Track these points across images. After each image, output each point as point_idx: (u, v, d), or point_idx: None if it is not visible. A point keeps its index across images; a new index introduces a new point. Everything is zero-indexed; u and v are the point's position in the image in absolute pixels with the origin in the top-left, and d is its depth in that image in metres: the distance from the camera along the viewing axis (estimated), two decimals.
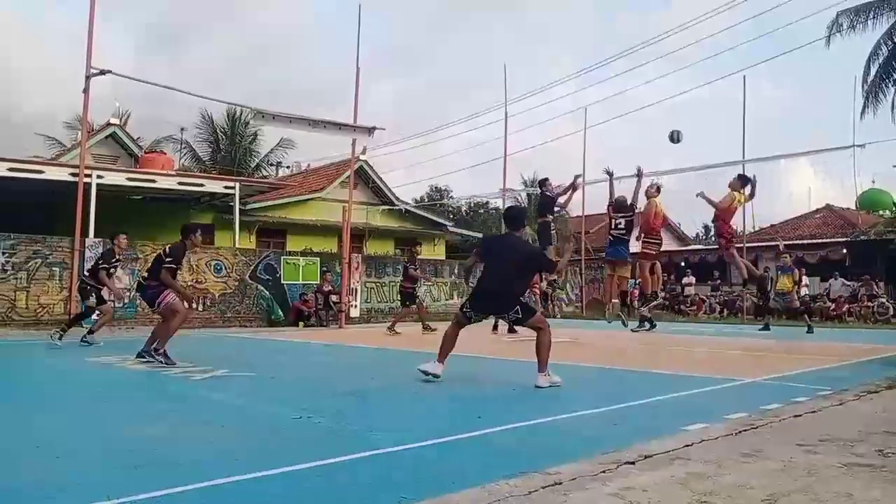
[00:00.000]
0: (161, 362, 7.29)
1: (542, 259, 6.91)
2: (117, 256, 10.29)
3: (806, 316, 15.01)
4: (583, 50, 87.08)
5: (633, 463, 3.21)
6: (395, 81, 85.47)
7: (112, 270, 10.17)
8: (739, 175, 11.13)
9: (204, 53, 76.80)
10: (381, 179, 26.74)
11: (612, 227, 11.24)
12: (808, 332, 13.66)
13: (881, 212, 29.25)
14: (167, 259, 7.71)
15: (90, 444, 3.79)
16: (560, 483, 2.87)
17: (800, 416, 4.53)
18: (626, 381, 6.94)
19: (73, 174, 14.95)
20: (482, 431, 4.08)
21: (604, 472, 3.05)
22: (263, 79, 71.62)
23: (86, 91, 14.19)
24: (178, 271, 8.01)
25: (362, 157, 23.82)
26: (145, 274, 8.16)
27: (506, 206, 8.21)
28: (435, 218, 29.00)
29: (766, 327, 14.95)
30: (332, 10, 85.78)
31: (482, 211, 42.95)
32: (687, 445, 3.58)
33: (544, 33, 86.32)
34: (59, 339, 9.60)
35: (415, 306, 13.78)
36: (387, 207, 26.36)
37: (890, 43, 22.91)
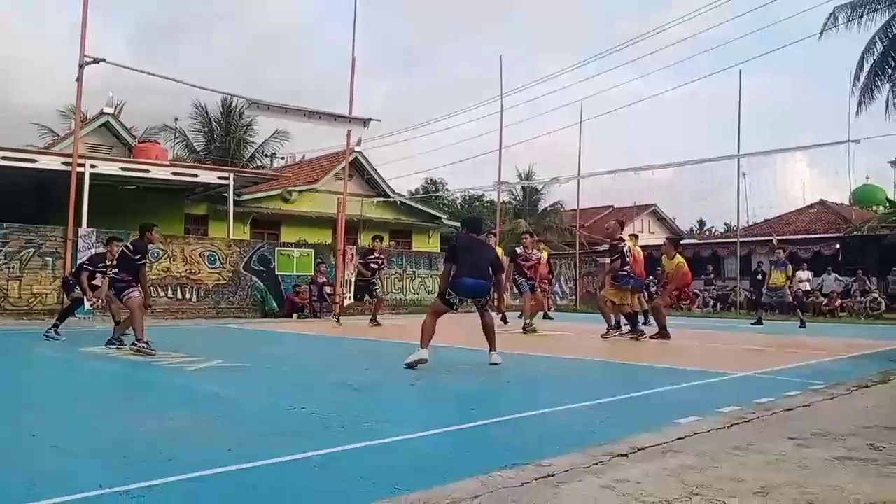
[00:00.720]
0: (140, 350, 7.57)
1: (499, 262, 7.88)
2: (106, 262, 10.26)
3: (798, 311, 15.03)
4: (580, 47, 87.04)
5: (625, 455, 3.22)
6: (392, 80, 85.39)
7: (97, 275, 10.15)
8: (670, 238, 11.52)
9: (199, 51, 76.53)
10: (375, 171, 26.66)
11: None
12: (800, 327, 13.70)
13: (874, 207, 29.39)
14: (136, 257, 8.11)
15: (84, 434, 3.79)
16: (553, 475, 2.88)
17: (792, 409, 4.55)
18: (618, 374, 6.97)
19: (67, 163, 14.86)
20: (476, 423, 4.09)
21: (596, 464, 3.07)
22: (258, 77, 71.47)
23: (79, 80, 14.09)
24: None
25: (357, 149, 23.74)
26: (115, 270, 8.50)
27: (463, 218, 8.80)
28: (430, 210, 28.94)
29: (759, 322, 14.95)
30: (329, 8, 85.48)
31: (477, 203, 42.92)
32: (679, 438, 3.60)
33: (541, 32, 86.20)
34: (56, 332, 9.55)
35: (371, 297, 13.55)
36: (382, 199, 26.31)
37: (885, 39, 22.93)
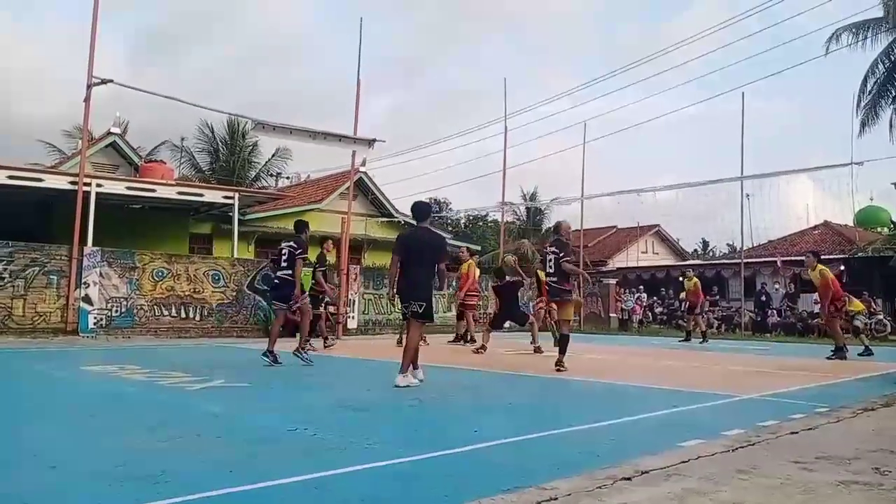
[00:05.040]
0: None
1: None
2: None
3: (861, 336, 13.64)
4: (584, 64, 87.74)
5: (629, 479, 3.19)
6: (394, 95, 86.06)
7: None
8: (811, 251, 12.84)
9: (201, 64, 77.33)
10: (380, 191, 26.76)
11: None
12: (863, 354, 11.92)
13: (879, 229, 29.33)
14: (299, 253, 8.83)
15: (84, 454, 3.77)
16: (556, 498, 2.86)
17: (796, 432, 4.52)
18: (622, 395, 6.93)
19: (73, 182, 14.96)
20: (478, 445, 4.06)
21: (599, 487, 3.04)
22: (260, 90, 72.12)
23: (87, 100, 14.23)
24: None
25: (362, 169, 23.85)
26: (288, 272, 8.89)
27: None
28: (433, 230, 28.93)
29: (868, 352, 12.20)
30: (331, 21, 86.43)
31: (481, 224, 43.00)
32: (683, 461, 3.57)
33: (545, 48, 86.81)
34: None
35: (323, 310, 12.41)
36: (386, 219, 26.38)
37: (887, 61, 23.07)
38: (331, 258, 12.02)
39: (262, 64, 78.12)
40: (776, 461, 3.63)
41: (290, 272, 8.74)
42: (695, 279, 17.28)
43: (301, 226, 9.31)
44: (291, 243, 8.92)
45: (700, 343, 15.64)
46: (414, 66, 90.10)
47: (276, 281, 9.13)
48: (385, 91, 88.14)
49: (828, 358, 11.24)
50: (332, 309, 16.35)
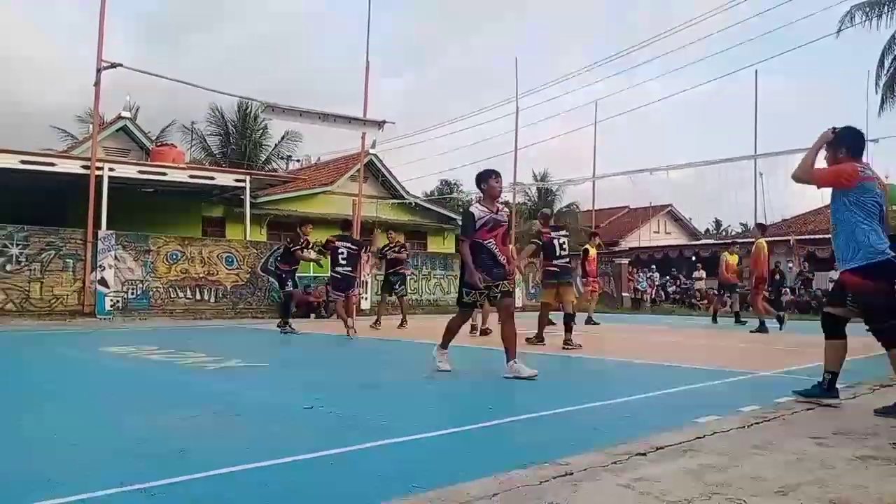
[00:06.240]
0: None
1: None
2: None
3: None
4: (595, 45, 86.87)
5: (644, 454, 3.20)
6: (403, 79, 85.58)
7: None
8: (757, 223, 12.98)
9: (208, 51, 77.20)
10: (390, 173, 26.71)
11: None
12: None
13: (893, 207, 29.04)
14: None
15: (104, 432, 3.82)
16: (571, 473, 2.87)
17: (812, 409, 4.51)
18: (637, 373, 6.93)
19: (85, 167, 15.04)
20: (494, 422, 4.08)
21: (615, 463, 3.05)
22: (267, 78, 71.90)
23: (97, 84, 14.25)
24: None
25: (372, 151, 23.79)
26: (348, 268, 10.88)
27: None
28: (444, 212, 28.91)
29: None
30: (337, 5, 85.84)
31: None
32: (699, 437, 3.57)
33: (556, 28, 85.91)
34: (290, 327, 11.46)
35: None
36: (396, 201, 26.35)
37: None
38: (310, 238, 12.15)
39: (269, 52, 77.87)
40: (792, 437, 3.63)
41: (350, 269, 10.83)
42: (737, 255, 15.68)
43: (347, 225, 11.70)
44: (349, 245, 10.84)
45: (713, 322, 15.58)
46: (423, 50, 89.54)
47: (336, 276, 10.84)
48: (395, 76, 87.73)
49: (752, 332, 12.04)
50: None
